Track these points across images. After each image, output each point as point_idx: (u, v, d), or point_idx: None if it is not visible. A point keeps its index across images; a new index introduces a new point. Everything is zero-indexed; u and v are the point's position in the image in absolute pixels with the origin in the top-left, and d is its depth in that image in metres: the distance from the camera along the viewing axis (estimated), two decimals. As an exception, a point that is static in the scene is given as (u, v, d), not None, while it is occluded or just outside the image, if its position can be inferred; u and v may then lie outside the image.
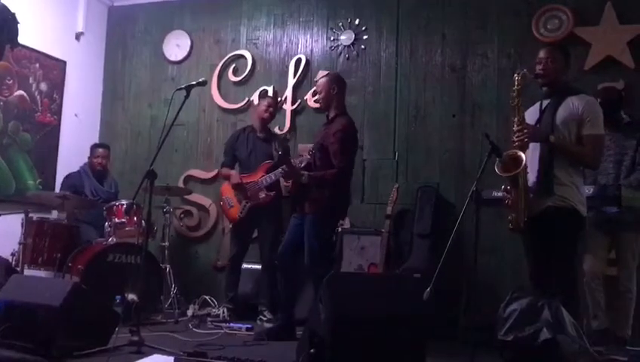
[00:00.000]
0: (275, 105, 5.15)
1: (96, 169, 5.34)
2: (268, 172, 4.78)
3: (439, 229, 4.68)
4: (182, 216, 5.79)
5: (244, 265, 5.12)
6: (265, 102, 5.07)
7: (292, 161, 4.23)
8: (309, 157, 4.17)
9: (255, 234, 5.08)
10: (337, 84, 4.15)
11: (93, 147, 5.48)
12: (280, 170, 4.51)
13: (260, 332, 4.07)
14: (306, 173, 4.04)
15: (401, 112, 5.23)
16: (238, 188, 4.89)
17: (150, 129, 6.12)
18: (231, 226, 5.17)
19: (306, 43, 5.66)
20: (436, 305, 3.05)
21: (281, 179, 4.81)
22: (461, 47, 5.12)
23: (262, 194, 4.79)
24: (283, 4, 5.79)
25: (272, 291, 4.83)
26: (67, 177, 5.36)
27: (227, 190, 5.01)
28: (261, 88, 5.66)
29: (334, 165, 3.98)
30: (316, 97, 4.18)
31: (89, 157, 5.42)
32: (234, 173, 4.98)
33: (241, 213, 4.86)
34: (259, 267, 5.02)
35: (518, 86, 3.28)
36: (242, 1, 5.94)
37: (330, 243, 4.25)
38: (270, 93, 5.52)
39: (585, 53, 4.63)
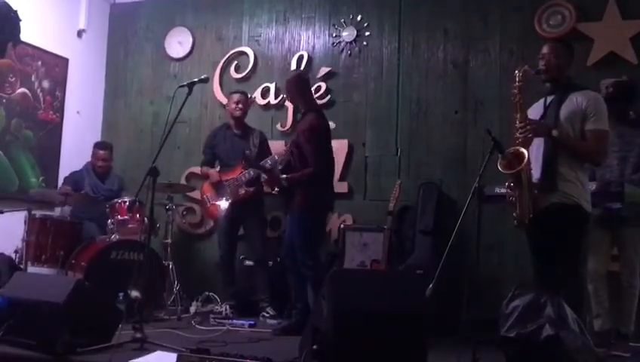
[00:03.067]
0: (245, 102, 5.13)
1: (98, 171, 5.35)
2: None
3: (441, 226, 4.67)
4: (184, 213, 5.80)
5: (246, 262, 5.13)
6: (233, 100, 5.07)
7: (270, 168, 4.44)
8: (283, 155, 4.32)
9: (241, 232, 5.10)
10: (296, 85, 4.39)
11: (94, 147, 5.47)
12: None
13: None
14: (284, 176, 4.20)
15: (404, 109, 5.23)
16: (218, 185, 4.93)
17: (152, 126, 6.13)
18: (213, 225, 5.21)
19: (308, 40, 5.65)
20: (438, 302, 3.05)
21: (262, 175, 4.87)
22: (463, 43, 5.11)
23: (241, 191, 4.84)
24: (285, 0, 5.79)
25: (271, 286, 4.85)
26: (70, 175, 5.38)
27: (207, 188, 5.06)
28: (263, 85, 5.66)
29: (309, 164, 4.12)
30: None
31: (91, 156, 5.42)
32: (213, 172, 5.03)
33: (221, 209, 4.89)
34: (257, 263, 5.04)
35: (519, 82, 3.27)
36: (244, -2, 5.95)
37: (315, 237, 4.30)
38: (234, 91, 5.37)
39: (587, 49, 4.62)
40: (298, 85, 4.39)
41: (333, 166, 4.44)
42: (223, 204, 4.91)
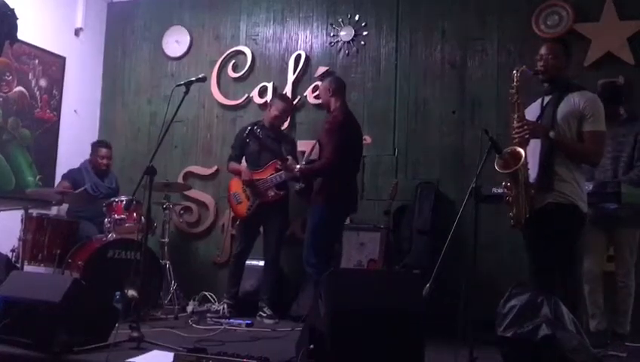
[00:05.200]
0: (289, 111, 5.10)
1: (101, 168, 5.33)
2: (277, 170, 4.74)
3: (439, 225, 4.67)
4: (181, 212, 5.79)
5: (247, 262, 5.12)
6: (279, 108, 4.95)
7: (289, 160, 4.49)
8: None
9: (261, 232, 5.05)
10: (335, 84, 4.49)
11: (96, 146, 5.44)
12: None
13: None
14: (297, 166, 4.23)
15: (401, 108, 5.23)
16: (249, 184, 4.84)
17: (150, 125, 6.12)
18: (237, 223, 5.14)
19: (306, 39, 5.65)
20: (435, 301, 3.05)
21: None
22: (461, 43, 5.11)
23: (271, 193, 4.76)
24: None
25: (272, 287, 4.84)
26: (68, 172, 5.37)
27: (236, 185, 4.96)
28: (260, 85, 5.66)
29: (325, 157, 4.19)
30: (316, 102, 4.43)
31: (91, 155, 5.41)
32: (245, 170, 4.90)
33: (249, 209, 4.84)
34: (261, 263, 5.01)
35: (516, 82, 3.28)
36: (242, -3, 5.94)
37: (326, 238, 4.32)
38: (280, 95, 5.34)
39: (585, 50, 4.63)
40: (335, 86, 4.47)
41: (354, 164, 4.44)
42: (251, 204, 4.83)
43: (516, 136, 3.23)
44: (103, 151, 5.37)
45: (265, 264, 4.92)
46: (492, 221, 4.28)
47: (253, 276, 5.02)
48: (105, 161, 5.35)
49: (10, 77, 5.41)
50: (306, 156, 4.54)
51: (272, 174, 4.76)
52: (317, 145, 4.41)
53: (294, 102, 5.49)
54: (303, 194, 4.30)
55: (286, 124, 5.46)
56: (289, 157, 4.58)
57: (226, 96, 5.82)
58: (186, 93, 3.65)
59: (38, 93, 5.67)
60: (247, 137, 4.93)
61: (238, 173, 4.96)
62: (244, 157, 5.01)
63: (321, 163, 4.16)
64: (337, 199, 4.22)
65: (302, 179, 4.32)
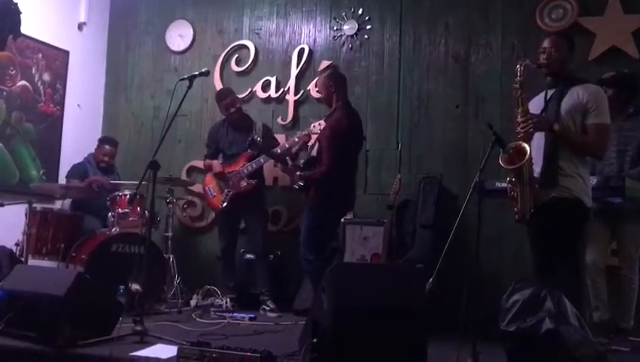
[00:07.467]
0: (228, 101, 5.04)
1: (101, 166, 5.35)
2: (249, 161, 4.85)
3: (442, 220, 4.67)
4: (185, 206, 5.80)
5: (247, 256, 5.14)
6: (223, 106, 5.04)
7: (281, 155, 4.62)
8: (292, 145, 4.51)
9: (242, 225, 5.11)
10: (334, 79, 4.37)
11: (101, 142, 5.45)
12: (260, 158, 4.77)
13: None
14: (298, 173, 4.25)
15: (405, 103, 5.22)
16: (221, 177, 4.95)
17: (153, 119, 6.13)
18: (215, 217, 5.22)
19: (309, 33, 5.64)
20: (438, 296, 3.05)
21: (264, 167, 4.94)
22: (464, 37, 5.10)
23: (243, 183, 4.85)
24: (285, -7, 5.78)
25: (270, 279, 4.87)
26: (73, 167, 5.38)
27: (210, 180, 5.07)
28: (264, 79, 5.66)
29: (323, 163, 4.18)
30: (319, 96, 4.46)
31: (95, 149, 5.42)
32: (216, 163, 5.04)
33: (223, 201, 4.92)
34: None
35: (520, 77, 3.26)
36: (245, -9, 5.93)
37: (321, 235, 4.34)
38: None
39: (589, 44, 4.61)
40: (336, 80, 4.38)
41: (353, 167, 4.45)
42: (225, 196, 4.91)
43: (520, 130, 3.21)
44: (106, 148, 5.38)
45: (255, 258, 4.99)
46: (496, 215, 4.28)
47: (254, 269, 5.03)
48: (106, 159, 5.36)
49: (14, 71, 5.41)
50: (306, 154, 4.56)
51: (244, 165, 4.84)
52: (317, 143, 4.40)
53: (298, 96, 5.51)
54: (302, 190, 4.33)
55: (290, 114, 5.53)
56: (290, 161, 4.61)
57: (229, 90, 5.82)
58: (189, 87, 3.65)
59: (41, 87, 5.68)
60: (217, 134, 5.10)
61: (211, 168, 5.06)
62: (220, 154, 5.12)
63: (319, 171, 4.18)
64: (334, 198, 4.23)
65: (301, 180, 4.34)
